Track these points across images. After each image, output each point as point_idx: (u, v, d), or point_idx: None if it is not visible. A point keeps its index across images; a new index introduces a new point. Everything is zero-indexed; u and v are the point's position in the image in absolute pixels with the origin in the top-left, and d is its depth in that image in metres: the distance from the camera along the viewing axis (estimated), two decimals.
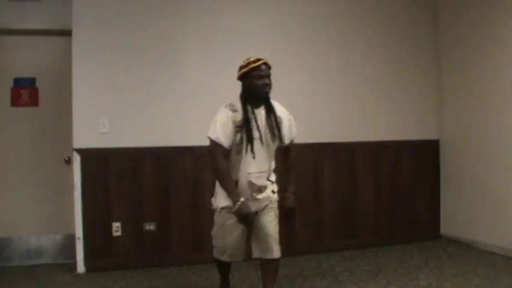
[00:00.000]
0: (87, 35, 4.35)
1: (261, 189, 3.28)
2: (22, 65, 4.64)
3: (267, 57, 4.66)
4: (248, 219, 3.21)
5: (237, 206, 3.16)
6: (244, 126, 3.18)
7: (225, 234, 3.35)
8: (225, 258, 3.43)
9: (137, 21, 4.49)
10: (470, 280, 3.91)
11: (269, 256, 3.28)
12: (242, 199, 3.17)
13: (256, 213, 3.28)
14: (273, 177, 3.43)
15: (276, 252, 3.29)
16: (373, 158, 5.12)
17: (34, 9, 4.52)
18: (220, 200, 3.32)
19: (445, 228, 5.33)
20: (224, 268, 3.62)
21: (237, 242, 3.34)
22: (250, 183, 3.24)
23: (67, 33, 4.35)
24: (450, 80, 5.25)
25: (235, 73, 3.29)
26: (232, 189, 3.21)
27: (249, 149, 3.18)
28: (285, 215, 3.37)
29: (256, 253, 3.33)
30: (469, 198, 4.99)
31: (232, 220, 3.27)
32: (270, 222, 3.31)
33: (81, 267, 4.35)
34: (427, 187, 5.33)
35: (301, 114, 4.73)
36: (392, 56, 5.20)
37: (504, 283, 3.80)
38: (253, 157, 3.19)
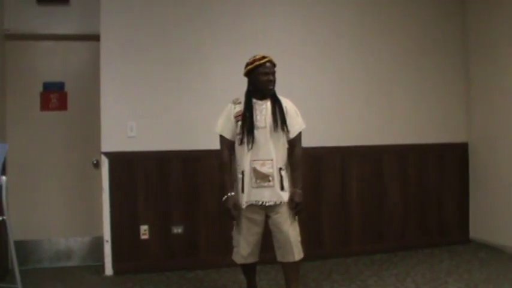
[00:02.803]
0: (115, 40, 4.40)
1: (267, 177, 3.31)
2: (51, 70, 4.71)
3: (291, 58, 4.58)
4: (230, 214, 3.33)
5: (223, 198, 3.34)
6: (243, 117, 3.33)
7: (238, 235, 3.45)
8: (237, 259, 3.51)
9: (165, 27, 4.53)
10: (500, 286, 3.84)
11: (290, 259, 3.37)
12: (231, 193, 3.34)
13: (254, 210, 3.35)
14: (284, 167, 3.39)
15: (297, 255, 3.37)
16: (400, 161, 5.06)
17: (62, 14, 4.60)
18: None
19: (475, 233, 5.24)
20: (247, 271, 3.64)
21: (247, 244, 3.41)
22: (254, 170, 3.30)
23: (95, 37, 4.40)
24: (479, 82, 5.17)
25: None
26: (227, 181, 3.39)
27: (249, 138, 3.29)
28: (293, 210, 3.36)
29: (278, 257, 3.42)
30: (499, 202, 4.90)
31: (245, 220, 3.37)
32: (289, 226, 3.36)
33: (109, 270, 4.39)
34: (456, 191, 5.25)
35: (327, 117, 4.77)
36: (420, 58, 5.14)
37: None
38: (252, 146, 3.29)
